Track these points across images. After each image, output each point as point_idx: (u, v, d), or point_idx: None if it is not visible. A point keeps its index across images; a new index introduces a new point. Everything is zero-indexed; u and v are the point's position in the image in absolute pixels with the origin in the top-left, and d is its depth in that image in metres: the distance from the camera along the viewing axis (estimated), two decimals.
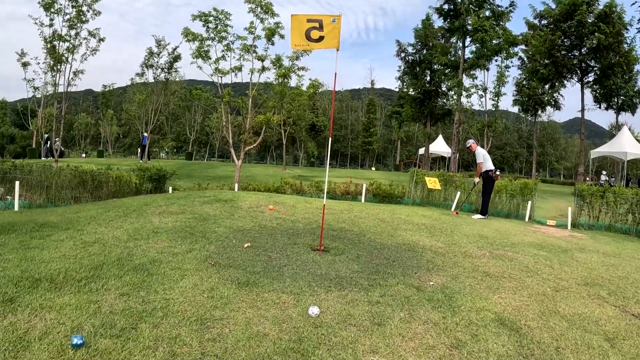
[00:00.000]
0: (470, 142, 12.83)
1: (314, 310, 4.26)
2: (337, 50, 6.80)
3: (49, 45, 27.62)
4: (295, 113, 46.09)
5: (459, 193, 14.00)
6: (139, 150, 39.67)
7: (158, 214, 8.63)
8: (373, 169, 72.10)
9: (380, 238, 7.89)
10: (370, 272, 5.80)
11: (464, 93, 40.21)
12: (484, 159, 12.30)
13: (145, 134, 40.15)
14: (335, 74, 6.87)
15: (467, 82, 40.82)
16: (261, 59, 24.98)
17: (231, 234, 7.31)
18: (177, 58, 45.85)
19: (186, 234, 7.16)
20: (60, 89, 29.92)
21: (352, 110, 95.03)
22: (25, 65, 40.08)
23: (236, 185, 20.26)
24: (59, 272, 4.97)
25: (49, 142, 38.97)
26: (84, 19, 28.32)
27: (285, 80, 25.43)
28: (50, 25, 27.72)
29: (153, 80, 48.40)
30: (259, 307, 4.39)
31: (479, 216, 12.05)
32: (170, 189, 20.90)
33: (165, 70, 46.50)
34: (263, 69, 25.07)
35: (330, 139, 7.68)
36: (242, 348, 3.58)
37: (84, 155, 66.69)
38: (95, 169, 19.27)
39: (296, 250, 6.54)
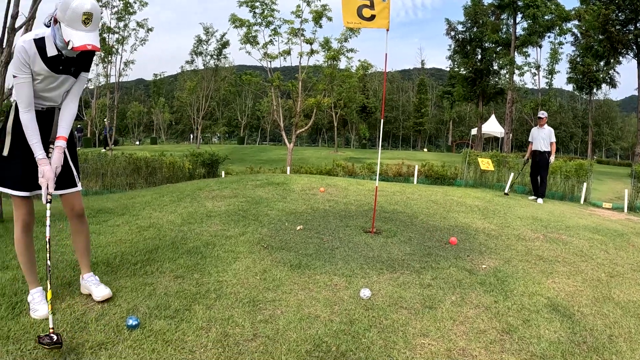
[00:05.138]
0: (546, 114, 12.45)
1: (365, 293, 4.20)
2: (387, 30, 6.62)
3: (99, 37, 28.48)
4: (346, 95, 45.88)
5: (512, 174, 13.62)
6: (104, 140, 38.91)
7: (211, 198, 8.73)
8: (425, 150, 71.24)
9: (432, 220, 7.75)
10: (423, 254, 5.70)
11: (516, 71, 39.20)
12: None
13: (106, 121, 39.72)
14: (386, 54, 6.71)
15: (519, 59, 39.86)
16: (309, 42, 24.95)
17: (283, 217, 7.31)
18: (225, 44, 46.38)
19: (239, 217, 7.20)
20: (112, 80, 30.84)
21: (403, 91, 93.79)
22: None
23: (288, 168, 20.33)
24: (115, 256, 5.07)
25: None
26: (131, 11, 29.00)
27: (335, 62, 25.33)
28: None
29: (203, 67, 49.19)
30: (311, 289, 4.37)
31: (540, 200, 11.57)
32: (223, 173, 21.18)
33: (215, 57, 47.13)
34: (312, 52, 25.04)
35: (382, 120, 7.53)
36: (294, 330, 3.57)
37: (137, 142, 68.46)
38: (149, 156, 19.71)
39: (348, 233, 6.49)
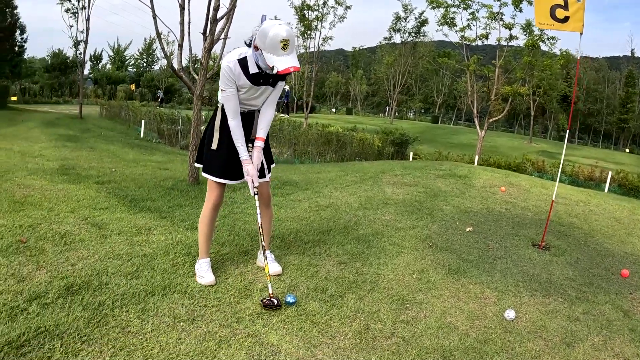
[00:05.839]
0: None
1: (510, 314, 4.14)
2: (581, 34, 6.24)
3: (299, 14, 30.63)
4: (547, 82, 42.98)
5: None
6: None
7: (392, 183, 9.02)
8: (627, 150, 64.05)
9: (608, 242, 7.10)
10: (583, 282, 5.30)
11: None
12: None
13: (286, 87, 40.86)
14: (579, 60, 6.37)
15: None
16: (508, 27, 24.03)
17: (456, 215, 7.34)
18: (424, 22, 46.26)
19: (414, 208, 7.38)
20: (311, 50, 32.94)
21: (610, 82, 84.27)
22: None
23: (476, 157, 19.99)
24: (291, 232, 5.58)
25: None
26: None
27: (534, 49, 24.14)
28: None
29: (401, 43, 49.58)
30: (460, 297, 4.44)
31: None
32: (411, 154, 21.43)
33: (413, 34, 47.28)
34: (511, 37, 24.16)
35: (567, 132, 7.14)
36: (429, 337, 3.68)
37: (333, 110, 71.45)
38: (340, 130, 20.58)
39: (516, 243, 6.32)
